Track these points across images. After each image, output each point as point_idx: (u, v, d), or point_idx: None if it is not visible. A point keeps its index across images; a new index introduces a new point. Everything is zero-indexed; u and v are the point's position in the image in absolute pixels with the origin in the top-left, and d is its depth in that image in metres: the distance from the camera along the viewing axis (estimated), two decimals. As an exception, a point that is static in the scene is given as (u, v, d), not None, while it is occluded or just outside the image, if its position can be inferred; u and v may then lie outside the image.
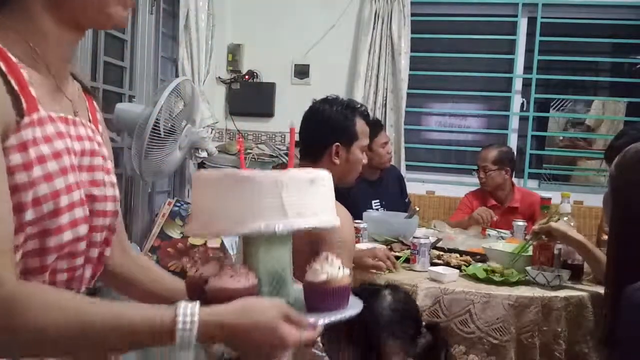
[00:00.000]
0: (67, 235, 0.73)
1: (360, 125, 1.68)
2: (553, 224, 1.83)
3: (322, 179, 0.85)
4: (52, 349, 0.67)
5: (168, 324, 0.67)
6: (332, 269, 0.82)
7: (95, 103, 0.91)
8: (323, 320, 0.77)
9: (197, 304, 0.69)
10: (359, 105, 1.73)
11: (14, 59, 0.72)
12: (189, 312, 0.68)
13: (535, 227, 1.89)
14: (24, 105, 0.70)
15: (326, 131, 1.65)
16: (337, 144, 1.63)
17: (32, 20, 0.74)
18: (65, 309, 0.66)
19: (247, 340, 0.71)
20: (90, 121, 0.86)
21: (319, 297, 0.81)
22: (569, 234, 1.79)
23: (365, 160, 1.74)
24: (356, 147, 1.67)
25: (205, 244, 2.82)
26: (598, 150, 3.55)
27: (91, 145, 0.82)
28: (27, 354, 0.68)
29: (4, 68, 0.69)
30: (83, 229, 0.76)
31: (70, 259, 0.76)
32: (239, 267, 0.79)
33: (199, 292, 0.83)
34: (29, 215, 0.69)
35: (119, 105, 2.46)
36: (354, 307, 0.83)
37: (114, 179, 0.87)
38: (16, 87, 0.69)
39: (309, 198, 0.82)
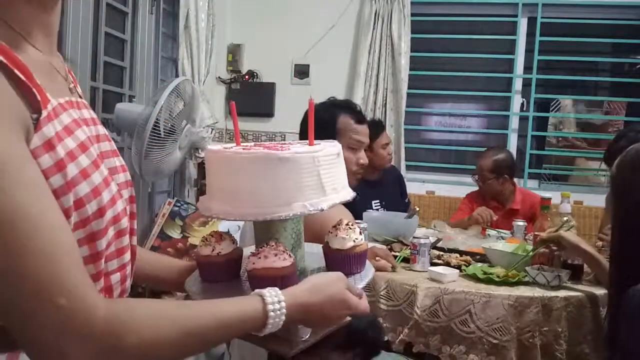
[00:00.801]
0: (112, 232, 0.69)
1: (345, 122, 1.64)
2: (563, 233, 1.80)
3: (341, 151, 0.89)
4: (165, 357, 0.64)
5: (260, 313, 0.68)
6: (356, 235, 0.87)
7: (73, 74, 0.81)
8: (363, 284, 0.84)
9: (277, 289, 0.71)
10: (347, 104, 1.68)
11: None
12: (276, 300, 0.70)
13: (544, 235, 1.85)
14: (38, 97, 0.60)
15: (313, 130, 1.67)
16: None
17: None
18: (168, 319, 0.62)
19: (319, 315, 0.75)
20: (80, 97, 0.77)
21: (346, 263, 0.86)
22: (580, 246, 1.76)
23: (363, 160, 1.71)
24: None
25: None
26: (598, 150, 3.55)
27: (96, 130, 0.74)
28: None
29: (4, 60, 0.57)
30: (125, 222, 0.71)
31: (120, 257, 0.72)
32: (275, 245, 0.81)
33: (216, 269, 0.85)
34: (74, 219, 0.62)
35: (119, 105, 2.45)
36: (369, 270, 0.89)
37: (123, 161, 0.80)
38: (24, 79, 0.58)
39: (336, 172, 0.85)
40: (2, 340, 0.61)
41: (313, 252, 0.93)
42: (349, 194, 0.87)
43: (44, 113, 0.60)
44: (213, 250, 0.85)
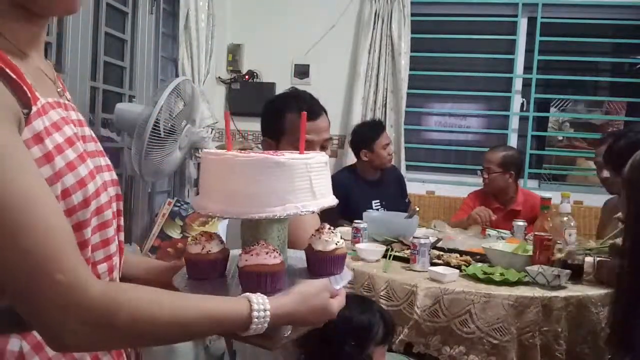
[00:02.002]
0: (96, 222, 0.72)
1: (291, 121, 1.52)
2: None
3: (328, 160, 0.95)
4: (147, 340, 0.70)
5: (245, 316, 0.72)
6: (337, 239, 0.93)
7: (62, 81, 0.87)
8: (342, 284, 0.89)
9: (265, 297, 0.75)
10: (295, 97, 1.59)
11: None
12: (262, 307, 0.73)
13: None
14: (29, 95, 0.65)
15: (262, 127, 1.60)
16: (266, 139, 1.57)
17: None
18: (158, 303, 0.66)
19: (302, 322, 0.80)
20: (68, 100, 0.82)
21: (327, 264, 0.92)
22: None
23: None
24: (286, 142, 1.52)
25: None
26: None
27: (82, 131, 0.79)
28: (125, 347, 0.72)
29: None
30: (109, 214, 0.76)
31: (106, 248, 0.76)
32: (266, 244, 0.85)
33: (204, 267, 0.89)
34: (61, 208, 0.66)
35: (119, 105, 2.45)
36: (347, 272, 0.95)
37: (109, 161, 0.85)
38: (15, 78, 0.64)
39: (324, 179, 0.91)
40: (11, 320, 0.65)
41: (294, 257, 1.00)
42: (334, 200, 0.93)
43: (34, 109, 0.65)
44: (203, 248, 0.89)
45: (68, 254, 0.61)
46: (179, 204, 2.88)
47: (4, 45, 0.67)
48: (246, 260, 0.82)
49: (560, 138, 3.72)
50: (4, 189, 0.57)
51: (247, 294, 0.75)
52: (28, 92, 0.65)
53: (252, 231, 0.90)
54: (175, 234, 2.81)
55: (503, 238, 2.39)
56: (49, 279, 0.58)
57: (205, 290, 0.85)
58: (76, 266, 0.61)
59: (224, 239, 0.94)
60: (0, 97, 0.61)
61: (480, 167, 2.95)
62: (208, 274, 0.90)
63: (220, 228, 2.81)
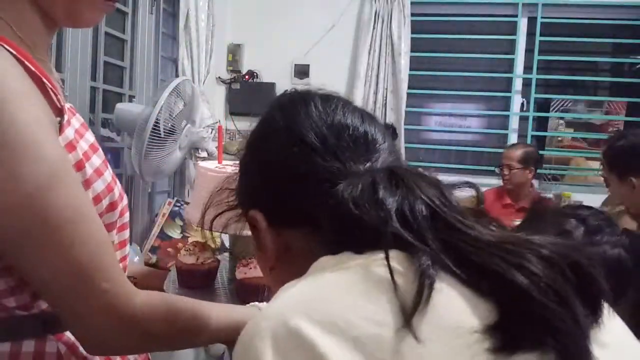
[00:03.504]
0: (118, 224, 0.75)
1: None
2: None
3: None
4: (178, 346, 0.75)
5: None
6: None
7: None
8: None
9: None
10: None
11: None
12: None
13: None
14: (62, 103, 0.65)
15: None
16: None
17: (13, 4, 0.65)
18: (190, 312, 0.70)
19: None
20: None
21: None
22: None
23: None
24: None
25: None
26: (599, 150, 3.55)
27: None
28: (156, 351, 0.76)
29: (32, 67, 0.61)
30: (127, 217, 0.78)
31: (123, 249, 0.78)
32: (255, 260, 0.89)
33: (198, 276, 0.92)
34: None
35: (119, 105, 2.45)
36: None
37: None
38: (50, 87, 0.63)
39: None
40: (45, 324, 0.68)
41: None
42: None
43: (65, 117, 0.66)
44: (197, 259, 0.91)
45: (113, 265, 0.64)
46: (179, 204, 2.88)
47: (34, 55, 0.65)
48: (245, 273, 0.87)
49: (560, 138, 3.72)
50: (66, 203, 0.59)
51: (256, 303, 0.79)
52: (61, 100, 0.65)
53: (243, 244, 0.96)
54: (175, 234, 2.81)
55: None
56: (97, 288, 0.61)
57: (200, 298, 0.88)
58: (119, 276, 0.64)
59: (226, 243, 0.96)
60: (43, 109, 0.61)
61: (499, 162, 3.00)
62: (201, 282, 0.92)
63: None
